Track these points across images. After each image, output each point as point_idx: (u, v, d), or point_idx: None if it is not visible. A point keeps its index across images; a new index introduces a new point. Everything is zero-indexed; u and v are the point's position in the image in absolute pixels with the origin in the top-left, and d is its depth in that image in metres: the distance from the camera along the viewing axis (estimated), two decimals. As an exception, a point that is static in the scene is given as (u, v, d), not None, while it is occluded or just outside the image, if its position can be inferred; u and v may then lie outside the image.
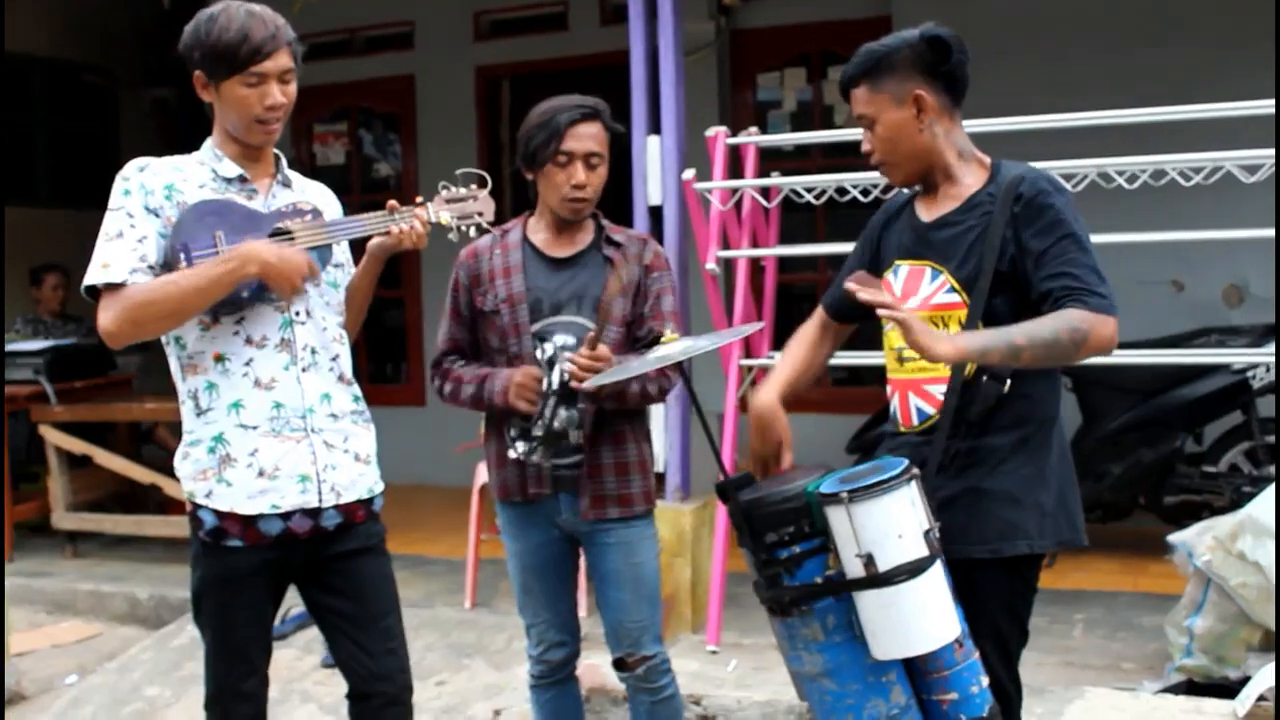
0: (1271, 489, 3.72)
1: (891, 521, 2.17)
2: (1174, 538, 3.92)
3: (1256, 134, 3.99)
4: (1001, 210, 2.34)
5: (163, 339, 2.59)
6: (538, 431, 2.87)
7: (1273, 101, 3.79)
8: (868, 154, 2.50)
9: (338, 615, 2.70)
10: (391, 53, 8.15)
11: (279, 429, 2.57)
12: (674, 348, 2.51)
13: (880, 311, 2.20)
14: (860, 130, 2.50)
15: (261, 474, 2.55)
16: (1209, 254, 5.54)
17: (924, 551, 2.17)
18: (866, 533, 2.16)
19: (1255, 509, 3.68)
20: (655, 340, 2.74)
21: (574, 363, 2.80)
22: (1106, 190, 4.07)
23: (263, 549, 2.57)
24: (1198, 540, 3.78)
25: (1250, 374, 5.05)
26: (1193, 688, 3.75)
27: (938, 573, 2.20)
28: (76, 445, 6.22)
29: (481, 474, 5.00)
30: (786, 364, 2.70)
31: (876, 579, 2.16)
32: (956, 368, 2.35)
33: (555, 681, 3.14)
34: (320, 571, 2.68)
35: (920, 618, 2.17)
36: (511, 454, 2.97)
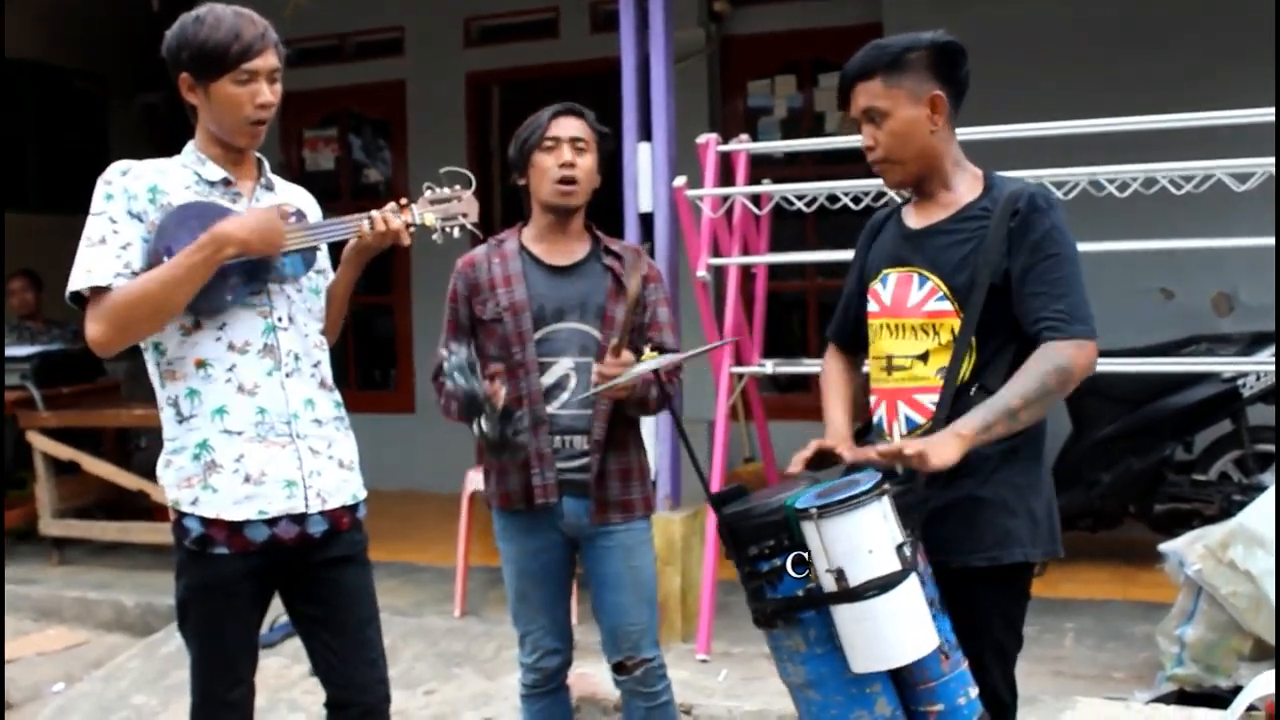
0: (1262, 497, 3.72)
1: (861, 537, 2.15)
2: (1165, 546, 3.91)
3: (1246, 143, 3.99)
4: (999, 225, 2.34)
5: (141, 345, 2.55)
6: (490, 433, 2.79)
7: (1270, 110, 3.79)
8: (868, 149, 2.45)
9: (318, 624, 2.68)
10: (382, 58, 8.14)
11: (264, 434, 2.55)
12: (650, 363, 2.62)
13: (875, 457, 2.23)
14: (845, 138, 2.49)
15: (248, 479, 2.52)
16: (1198, 262, 5.55)
17: (895, 566, 2.15)
18: (837, 547, 2.15)
19: (1246, 518, 3.68)
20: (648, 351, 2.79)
21: (603, 373, 2.81)
22: (1097, 198, 4.07)
23: (249, 556, 2.55)
24: (1189, 549, 3.78)
25: (1240, 382, 5.06)
26: (1184, 697, 3.74)
27: (912, 586, 2.17)
28: (64, 451, 6.18)
29: (471, 481, 4.99)
30: (839, 410, 2.64)
31: (848, 594, 2.15)
32: (949, 376, 2.36)
33: (548, 691, 3.13)
34: (303, 580, 2.66)
35: (894, 632, 2.16)
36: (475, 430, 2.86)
